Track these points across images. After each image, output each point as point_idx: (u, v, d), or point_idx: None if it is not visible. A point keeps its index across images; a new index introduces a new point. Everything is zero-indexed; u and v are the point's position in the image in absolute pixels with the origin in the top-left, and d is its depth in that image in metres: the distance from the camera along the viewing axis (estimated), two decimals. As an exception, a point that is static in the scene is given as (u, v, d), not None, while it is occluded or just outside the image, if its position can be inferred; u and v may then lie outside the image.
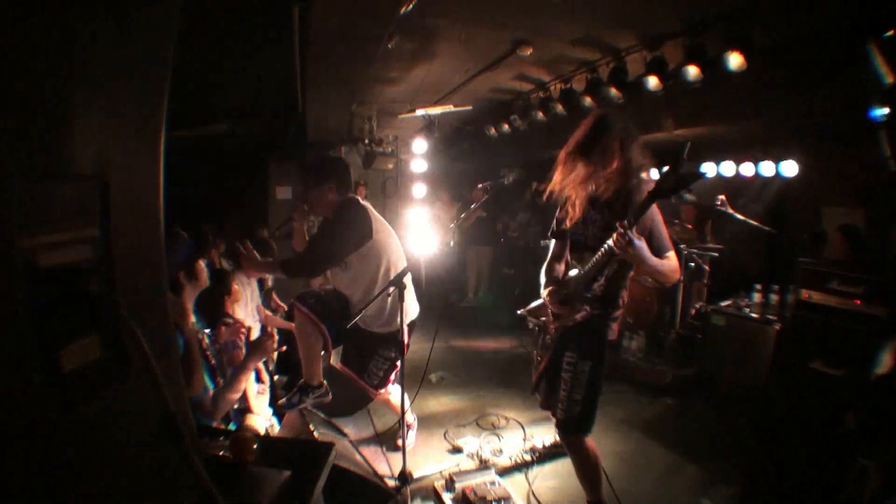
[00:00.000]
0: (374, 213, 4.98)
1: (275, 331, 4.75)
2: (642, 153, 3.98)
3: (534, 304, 4.52)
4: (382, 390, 5.19)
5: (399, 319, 4.56)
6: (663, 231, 3.91)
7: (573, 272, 4.12)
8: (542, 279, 4.46)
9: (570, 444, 4.27)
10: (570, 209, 4.19)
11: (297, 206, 5.05)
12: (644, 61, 6.73)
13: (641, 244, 3.59)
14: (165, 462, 1.78)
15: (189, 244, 4.54)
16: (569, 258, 4.28)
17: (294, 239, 5.19)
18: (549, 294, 4.24)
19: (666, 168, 3.50)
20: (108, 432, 1.60)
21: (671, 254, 3.89)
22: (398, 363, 4.94)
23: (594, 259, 3.85)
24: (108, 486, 1.59)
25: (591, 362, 4.08)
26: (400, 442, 5.03)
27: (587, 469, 4.34)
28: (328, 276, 4.91)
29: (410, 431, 5.60)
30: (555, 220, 4.45)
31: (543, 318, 4.44)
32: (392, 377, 5.15)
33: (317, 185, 4.84)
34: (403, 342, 4.80)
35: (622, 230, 3.50)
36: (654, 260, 3.71)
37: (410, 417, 5.59)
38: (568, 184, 4.07)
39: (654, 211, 3.86)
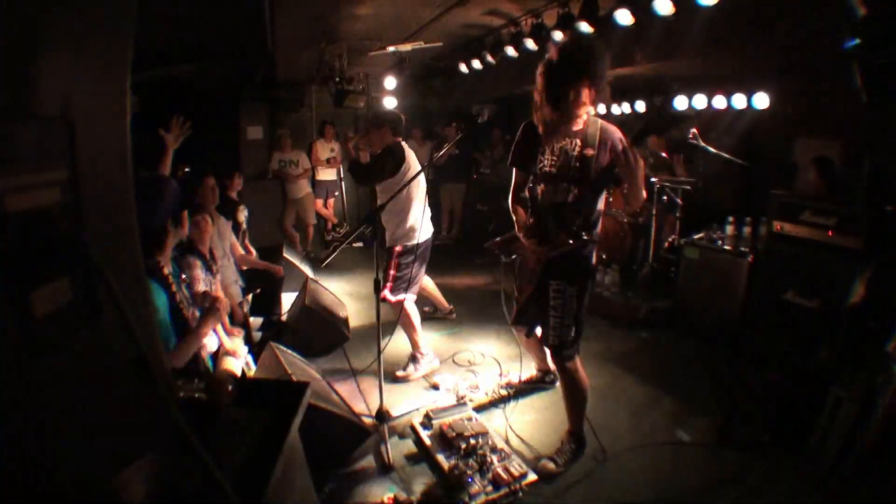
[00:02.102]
0: (412, 160, 6.12)
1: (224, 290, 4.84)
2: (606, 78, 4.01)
3: (504, 237, 4.54)
4: (405, 296, 5.99)
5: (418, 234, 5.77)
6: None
7: (549, 210, 4.17)
8: (513, 211, 4.48)
9: (565, 368, 4.35)
10: (543, 143, 4.22)
11: (359, 137, 6.29)
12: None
13: (642, 164, 3.75)
14: (139, 405, 1.75)
15: (177, 191, 4.51)
16: (541, 187, 4.29)
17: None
18: (527, 235, 4.29)
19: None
20: (80, 375, 1.58)
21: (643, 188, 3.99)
22: (411, 270, 6.01)
23: (576, 179, 4.00)
24: (81, 431, 1.57)
25: (578, 286, 4.19)
26: (404, 372, 5.92)
27: (577, 395, 4.47)
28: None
29: (415, 364, 6.08)
30: (515, 148, 4.49)
31: (519, 251, 4.45)
32: (414, 286, 6.17)
33: (377, 128, 6.11)
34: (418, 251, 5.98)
35: (630, 145, 3.74)
36: (642, 181, 3.84)
37: (425, 350, 6.18)
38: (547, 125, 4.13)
39: (619, 135, 4.02)
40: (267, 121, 12.14)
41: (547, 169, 4.20)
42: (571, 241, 4.08)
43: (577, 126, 4.09)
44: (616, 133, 4.04)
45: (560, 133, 4.12)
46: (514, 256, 4.55)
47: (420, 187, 6.03)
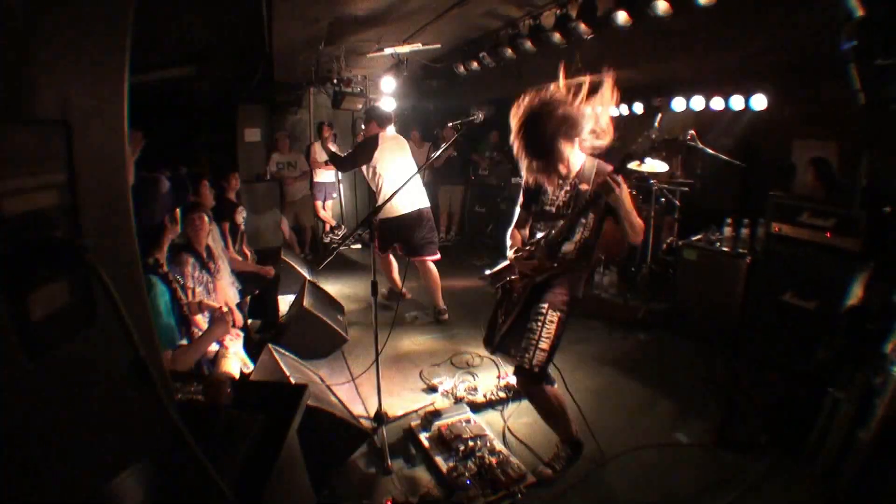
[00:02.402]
0: (386, 147, 7.43)
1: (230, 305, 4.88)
2: (585, 127, 4.00)
3: (498, 266, 4.57)
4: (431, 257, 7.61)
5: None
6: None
7: (539, 235, 4.23)
8: (508, 242, 4.54)
9: (531, 393, 4.36)
10: (545, 185, 4.28)
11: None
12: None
13: (624, 188, 3.76)
14: (137, 408, 1.75)
15: (172, 190, 4.53)
16: (540, 225, 4.35)
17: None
18: (517, 253, 4.35)
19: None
20: (78, 378, 1.58)
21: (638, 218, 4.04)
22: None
23: (569, 215, 4.02)
24: (79, 433, 1.57)
25: (560, 314, 4.17)
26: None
27: (552, 413, 4.42)
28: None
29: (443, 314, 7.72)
30: (522, 191, 4.51)
31: (509, 279, 4.46)
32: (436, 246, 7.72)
33: (367, 122, 7.60)
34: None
35: (610, 174, 3.72)
36: (631, 207, 3.87)
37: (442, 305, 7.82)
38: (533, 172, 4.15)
39: (626, 192, 3.96)
40: (265, 123, 12.15)
41: (546, 208, 4.27)
42: (556, 267, 4.15)
43: (574, 167, 4.14)
44: (607, 168, 4.03)
45: (557, 175, 4.15)
46: (499, 285, 4.58)
47: (392, 169, 7.34)
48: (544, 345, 4.12)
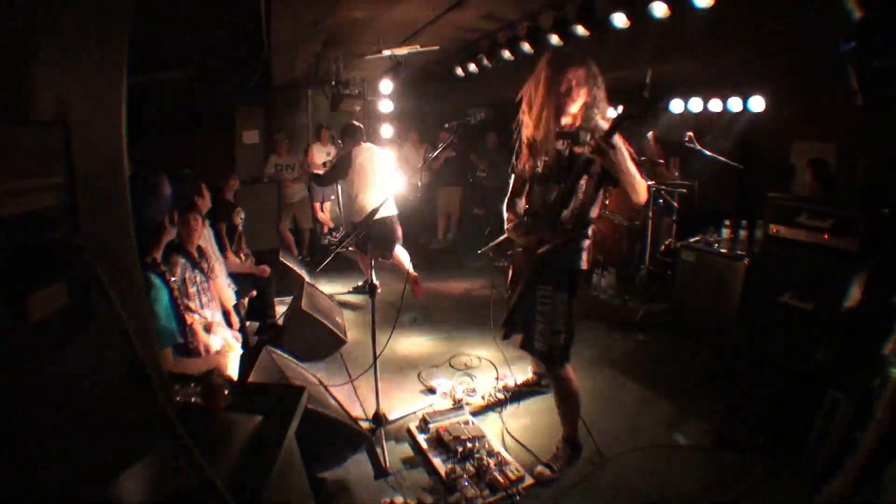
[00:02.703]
0: (362, 159, 8.03)
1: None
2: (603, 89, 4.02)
3: (497, 241, 4.54)
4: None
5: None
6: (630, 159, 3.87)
7: (537, 203, 4.19)
8: (505, 214, 4.49)
9: (556, 374, 4.33)
10: (534, 147, 4.22)
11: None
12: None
13: (620, 144, 3.67)
14: (135, 409, 1.75)
15: (172, 191, 4.54)
16: (535, 190, 4.28)
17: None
18: (514, 226, 4.30)
19: (632, 96, 3.53)
20: (77, 379, 1.58)
21: (640, 178, 3.91)
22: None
23: (566, 182, 3.93)
24: (77, 433, 1.57)
25: (567, 292, 4.14)
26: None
27: (569, 401, 4.43)
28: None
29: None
30: (514, 155, 4.47)
31: (510, 252, 4.45)
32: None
33: (343, 139, 8.37)
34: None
35: (601, 137, 3.58)
36: (632, 165, 3.76)
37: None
38: (539, 127, 4.07)
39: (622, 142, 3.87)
40: (263, 125, 12.14)
41: (539, 171, 4.19)
42: (557, 237, 4.07)
43: (570, 127, 4.07)
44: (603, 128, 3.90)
45: (554, 137, 4.09)
46: (504, 258, 4.55)
47: (366, 175, 7.90)
48: (560, 326, 4.14)
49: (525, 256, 4.31)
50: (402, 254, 8.10)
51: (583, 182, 3.98)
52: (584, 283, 4.30)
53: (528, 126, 4.15)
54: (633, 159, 3.89)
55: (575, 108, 4.00)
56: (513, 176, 4.53)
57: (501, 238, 4.50)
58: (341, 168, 8.25)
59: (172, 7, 6.38)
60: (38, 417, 1.45)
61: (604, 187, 4.08)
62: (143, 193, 3.93)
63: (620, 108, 3.61)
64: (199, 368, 4.32)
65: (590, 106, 3.99)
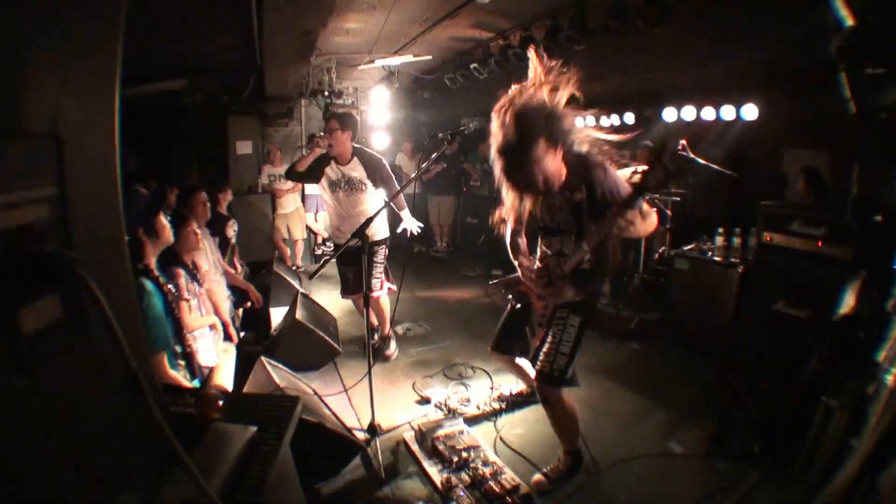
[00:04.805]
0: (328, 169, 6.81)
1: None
2: (572, 129, 3.87)
3: (511, 277, 4.51)
4: (383, 291, 6.76)
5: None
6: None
7: (547, 251, 4.18)
8: (512, 254, 4.49)
9: (549, 396, 4.26)
10: (521, 203, 4.17)
11: (322, 139, 6.37)
12: (604, 7, 6.67)
13: (647, 209, 3.70)
14: (128, 420, 1.75)
15: (148, 200, 4.52)
16: (541, 238, 4.27)
17: (305, 158, 6.43)
18: (534, 278, 4.22)
19: (654, 164, 3.50)
20: (70, 391, 1.58)
21: (645, 206, 3.79)
22: (385, 262, 6.73)
23: (583, 248, 3.89)
24: (71, 447, 1.57)
25: (581, 317, 4.13)
26: (392, 347, 6.41)
27: (564, 421, 4.38)
28: (345, 197, 6.54)
29: (392, 341, 7.03)
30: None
31: (524, 294, 4.44)
32: (387, 276, 6.86)
33: (343, 132, 6.29)
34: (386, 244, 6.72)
35: (621, 213, 3.62)
36: (643, 226, 3.79)
37: (389, 331, 7.06)
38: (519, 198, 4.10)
39: (615, 174, 3.89)
40: (256, 135, 12.15)
41: (544, 224, 4.18)
42: (578, 292, 4.07)
43: (560, 177, 3.97)
44: (597, 168, 3.87)
45: (547, 192, 4.04)
46: (519, 297, 4.52)
47: (331, 193, 6.58)
48: (565, 349, 4.11)
49: (542, 303, 4.31)
50: (384, 302, 6.88)
51: (592, 223, 3.91)
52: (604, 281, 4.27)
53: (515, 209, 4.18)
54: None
55: (553, 169, 3.89)
56: (509, 226, 4.47)
57: (514, 276, 4.46)
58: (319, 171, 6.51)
59: (165, 19, 6.38)
60: (31, 431, 1.44)
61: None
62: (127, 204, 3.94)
63: (637, 177, 3.56)
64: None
65: (567, 151, 3.89)
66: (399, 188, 5.71)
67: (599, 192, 3.80)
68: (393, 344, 7.00)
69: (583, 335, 4.17)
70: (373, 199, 6.57)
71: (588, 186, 3.87)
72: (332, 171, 6.46)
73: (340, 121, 6.34)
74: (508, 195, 4.12)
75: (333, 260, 5.69)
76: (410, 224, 6.82)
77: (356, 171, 6.45)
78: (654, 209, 3.95)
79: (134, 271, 3.84)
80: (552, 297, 4.16)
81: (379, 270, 6.65)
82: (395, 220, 6.78)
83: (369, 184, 6.48)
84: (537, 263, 4.28)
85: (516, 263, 4.46)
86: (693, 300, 7.04)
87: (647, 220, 3.79)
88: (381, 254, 6.64)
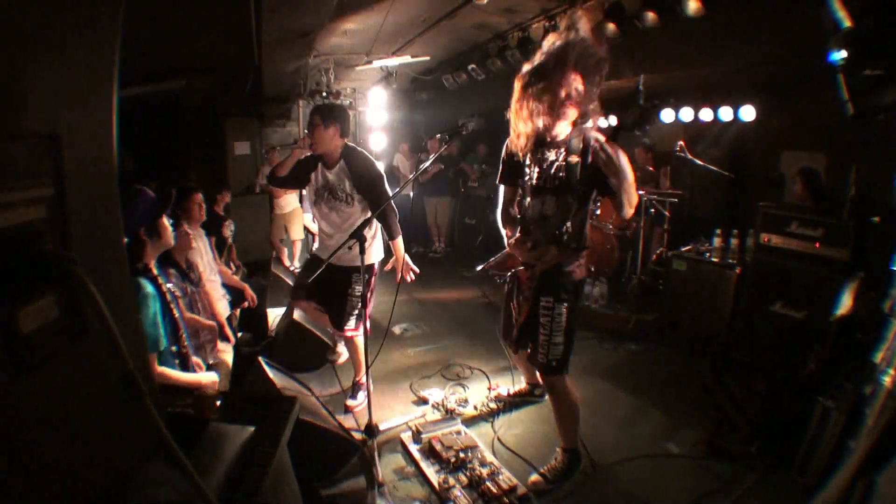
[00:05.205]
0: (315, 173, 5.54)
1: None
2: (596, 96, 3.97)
3: (497, 256, 4.47)
4: (359, 331, 5.34)
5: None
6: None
7: (537, 223, 4.14)
8: (503, 229, 4.46)
9: (555, 385, 4.32)
10: (518, 149, 4.20)
11: (304, 139, 5.33)
12: (602, 8, 6.67)
13: (623, 156, 3.63)
14: (126, 421, 1.75)
15: (154, 201, 4.50)
16: (528, 201, 4.26)
17: (285, 162, 5.41)
18: (516, 242, 4.21)
19: (627, 106, 3.52)
20: (68, 392, 1.58)
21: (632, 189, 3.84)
22: (368, 297, 5.14)
23: (567, 194, 3.93)
24: (68, 447, 1.56)
25: (567, 304, 4.15)
26: (358, 398, 5.58)
27: (568, 412, 4.41)
28: (327, 209, 5.42)
29: (361, 391, 5.61)
30: (502, 165, 4.47)
31: (513, 270, 4.40)
32: (367, 312, 5.11)
33: (325, 127, 5.13)
34: (371, 273, 5.37)
35: (607, 144, 3.59)
36: (629, 172, 3.70)
37: (364, 378, 5.23)
38: (523, 117, 4.02)
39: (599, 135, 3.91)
40: (254, 136, 12.14)
41: (533, 182, 4.17)
42: (559, 253, 4.07)
43: (562, 135, 4.05)
44: (598, 136, 3.93)
45: (545, 145, 4.10)
46: (509, 276, 4.51)
47: (313, 204, 5.60)
48: (558, 338, 4.15)
49: (527, 272, 4.29)
50: (359, 343, 5.48)
51: (581, 193, 3.98)
52: (584, 253, 4.24)
53: (518, 135, 4.12)
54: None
55: (567, 118, 3.97)
56: (502, 187, 4.53)
57: (502, 254, 4.45)
58: (305, 177, 5.50)
59: (162, 20, 6.38)
60: (29, 431, 1.44)
61: (597, 196, 4.07)
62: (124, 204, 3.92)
63: (614, 120, 3.60)
64: (190, 380, 4.31)
65: (583, 115, 3.98)
66: (392, 209, 5.23)
67: (591, 159, 3.86)
68: (361, 394, 5.63)
69: (575, 321, 4.21)
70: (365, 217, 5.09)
71: (582, 152, 3.94)
72: (316, 176, 5.41)
73: (322, 114, 5.20)
74: (519, 125, 4.09)
75: (329, 260, 5.26)
76: (402, 264, 5.55)
77: (341, 177, 5.30)
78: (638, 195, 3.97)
79: (133, 271, 3.85)
80: (538, 261, 4.16)
81: (357, 304, 5.32)
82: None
83: (358, 196, 5.30)
84: (519, 233, 4.30)
85: (504, 232, 4.48)
86: (690, 301, 7.04)
87: (627, 171, 3.75)
88: (364, 284, 4.87)
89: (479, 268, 4.60)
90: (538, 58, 3.93)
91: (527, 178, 4.22)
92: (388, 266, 5.62)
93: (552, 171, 4.07)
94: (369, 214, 5.00)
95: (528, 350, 4.43)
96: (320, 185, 5.39)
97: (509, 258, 4.37)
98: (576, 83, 3.84)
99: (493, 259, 4.48)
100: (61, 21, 1.56)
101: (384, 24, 8.03)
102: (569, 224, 4.03)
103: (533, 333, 4.29)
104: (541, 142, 4.09)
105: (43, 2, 1.49)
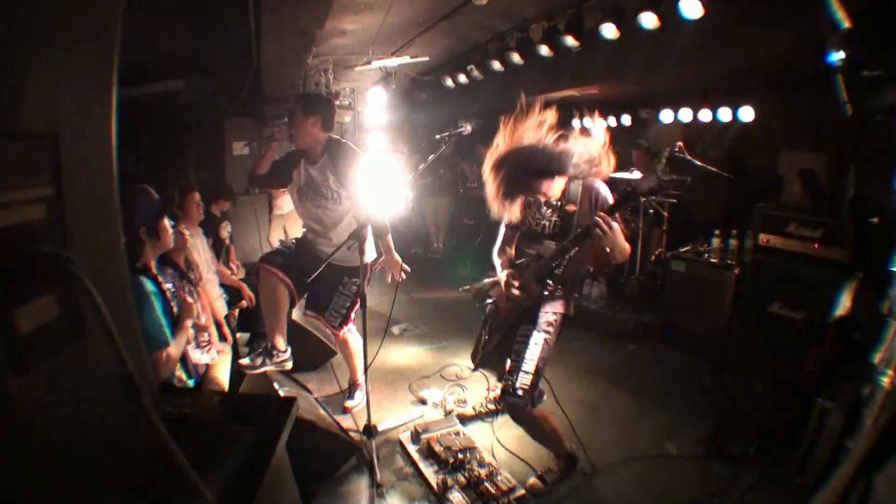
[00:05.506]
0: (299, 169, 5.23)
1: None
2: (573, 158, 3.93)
3: (484, 282, 4.47)
4: (344, 329, 5.25)
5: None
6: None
7: (528, 256, 4.15)
8: (497, 262, 4.45)
9: (519, 415, 4.17)
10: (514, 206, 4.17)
11: (282, 129, 5.14)
12: (601, 10, 6.66)
13: (618, 228, 3.62)
14: (124, 421, 1.74)
15: (156, 202, 4.48)
16: (526, 243, 4.26)
17: (262, 158, 5.29)
18: (510, 278, 4.16)
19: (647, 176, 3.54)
20: (66, 391, 1.58)
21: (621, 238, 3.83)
22: (358, 299, 4.93)
23: (562, 244, 3.90)
24: (66, 448, 1.56)
25: (546, 335, 4.08)
26: (356, 399, 5.48)
27: (543, 434, 4.35)
28: (313, 209, 5.12)
29: (359, 392, 5.60)
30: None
31: (494, 298, 4.41)
32: (352, 315, 5.21)
33: (305, 117, 4.88)
34: (366, 274, 4.90)
35: (605, 219, 3.55)
36: (622, 243, 3.71)
37: (361, 379, 5.47)
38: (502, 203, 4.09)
39: (606, 192, 3.95)
40: (253, 136, 12.13)
41: (533, 229, 4.19)
42: (545, 292, 4.08)
43: (556, 192, 4.07)
44: (600, 189, 3.98)
45: (540, 202, 4.13)
46: (487, 302, 4.50)
47: (298, 202, 5.35)
48: (528, 367, 4.00)
49: (509, 305, 4.25)
50: (353, 343, 5.46)
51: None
52: (576, 294, 4.22)
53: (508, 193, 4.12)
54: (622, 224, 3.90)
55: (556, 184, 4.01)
56: (503, 227, 4.50)
57: (489, 282, 4.43)
58: (287, 174, 5.30)
59: (161, 20, 6.38)
60: (27, 431, 1.44)
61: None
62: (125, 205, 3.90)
63: (630, 184, 3.60)
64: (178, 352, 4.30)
65: (571, 174, 3.98)
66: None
67: (590, 203, 3.90)
68: (359, 394, 5.57)
69: (548, 355, 4.10)
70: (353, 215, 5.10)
71: (581, 201, 3.95)
72: (299, 173, 5.16)
73: (302, 102, 4.99)
74: (500, 201, 4.11)
75: (328, 261, 5.12)
76: (391, 263, 5.26)
77: (325, 173, 5.03)
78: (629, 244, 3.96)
79: (133, 270, 3.85)
80: (522, 298, 4.11)
81: (346, 303, 5.19)
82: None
83: (345, 193, 5.00)
84: (512, 270, 4.25)
85: (497, 262, 4.44)
86: (689, 302, 7.04)
87: (619, 243, 3.76)
88: (356, 284, 5.08)
89: (463, 289, 4.60)
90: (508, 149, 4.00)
91: (525, 223, 4.24)
92: (378, 266, 5.33)
93: (549, 218, 4.11)
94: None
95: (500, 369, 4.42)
96: (303, 182, 5.15)
97: (494, 287, 4.38)
98: (547, 182, 3.94)
99: (478, 284, 4.48)
100: (61, 20, 1.56)
101: (383, 25, 8.02)
102: (561, 266, 4.05)
103: (502, 357, 4.27)
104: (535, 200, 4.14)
105: (42, 1, 1.49)
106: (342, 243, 4.43)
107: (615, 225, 3.58)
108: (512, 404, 4.09)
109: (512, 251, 4.38)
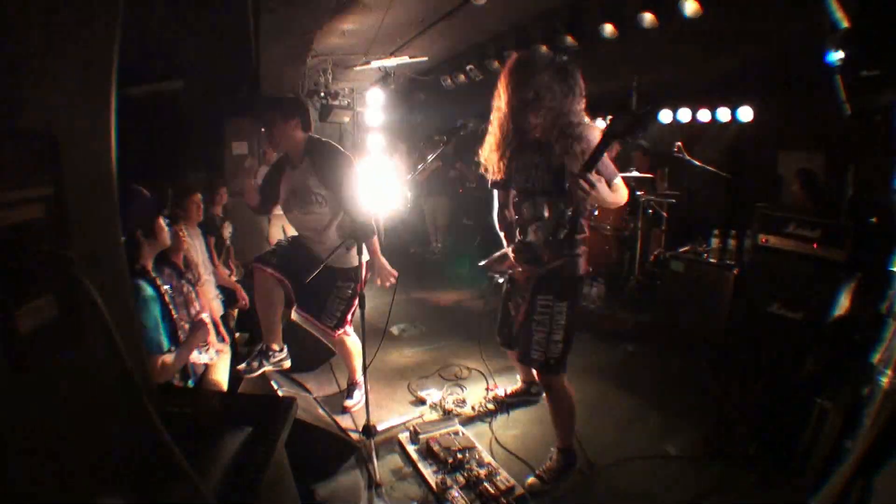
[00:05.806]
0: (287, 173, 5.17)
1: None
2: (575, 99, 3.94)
3: (496, 255, 4.45)
4: (340, 331, 5.19)
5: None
6: (607, 161, 3.86)
7: (532, 227, 4.10)
8: (500, 231, 4.50)
9: (552, 384, 4.31)
10: (500, 158, 4.25)
11: (251, 159, 5.01)
12: (599, 9, 6.67)
13: (601, 185, 3.60)
14: (123, 421, 1.74)
15: (150, 202, 4.46)
16: (521, 202, 4.25)
17: (247, 190, 5.27)
18: (516, 256, 4.18)
19: (619, 110, 3.48)
20: (66, 392, 1.58)
21: (619, 180, 3.92)
22: (355, 301, 5.00)
23: (556, 208, 3.88)
24: (65, 448, 1.56)
25: (568, 302, 4.13)
26: (354, 398, 5.48)
27: (564, 412, 4.41)
28: (301, 216, 5.01)
29: (358, 391, 5.63)
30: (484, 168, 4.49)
31: (510, 271, 4.39)
32: (349, 317, 5.19)
33: (284, 121, 4.86)
34: (361, 276, 4.89)
35: (581, 178, 3.48)
36: (610, 196, 3.75)
37: (360, 379, 5.51)
38: (507, 138, 4.13)
39: (595, 139, 3.79)
40: (252, 136, 12.12)
41: (525, 184, 4.17)
42: (557, 259, 4.06)
43: (549, 135, 3.99)
44: (587, 139, 3.87)
45: (524, 147, 4.11)
46: (506, 275, 4.50)
47: (287, 214, 5.23)
48: (557, 336, 4.12)
49: (525, 274, 4.27)
50: (351, 344, 5.45)
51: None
52: (584, 248, 4.22)
53: (496, 136, 4.21)
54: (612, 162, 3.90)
55: (542, 116, 3.94)
56: (495, 191, 4.56)
57: (501, 253, 4.42)
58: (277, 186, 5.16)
59: (161, 20, 6.38)
60: (26, 431, 1.44)
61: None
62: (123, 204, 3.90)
63: (607, 123, 3.55)
64: (180, 363, 4.30)
65: (562, 114, 3.91)
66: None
67: (578, 153, 3.81)
68: (357, 394, 5.58)
69: (574, 320, 4.18)
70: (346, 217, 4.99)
71: (570, 151, 3.89)
72: (284, 182, 5.07)
73: (279, 109, 4.96)
74: (491, 148, 4.30)
75: (327, 260, 5.07)
76: (378, 267, 5.16)
77: (307, 175, 4.92)
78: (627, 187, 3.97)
79: (131, 272, 3.85)
80: (536, 268, 4.15)
81: (340, 306, 5.11)
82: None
83: (328, 193, 4.90)
84: (517, 237, 4.30)
85: (501, 234, 4.50)
86: (688, 302, 7.03)
87: (617, 192, 3.83)
88: (350, 288, 5.06)
89: (481, 264, 4.58)
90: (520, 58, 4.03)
91: (516, 180, 4.24)
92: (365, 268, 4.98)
93: (536, 172, 4.09)
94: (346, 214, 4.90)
95: (519, 350, 4.40)
96: (287, 191, 5.02)
97: (507, 259, 4.35)
98: (541, 83, 3.86)
99: (491, 257, 4.47)
100: (60, 20, 1.55)
101: (382, 25, 8.03)
102: (565, 230, 3.99)
103: (528, 332, 4.24)
104: (519, 144, 4.12)
105: (41, 1, 1.49)
106: (338, 245, 4.42)
107: (595, 181, 3.53)
108: (547, 373, 4.24)
109: (511, 213, 4.42)
